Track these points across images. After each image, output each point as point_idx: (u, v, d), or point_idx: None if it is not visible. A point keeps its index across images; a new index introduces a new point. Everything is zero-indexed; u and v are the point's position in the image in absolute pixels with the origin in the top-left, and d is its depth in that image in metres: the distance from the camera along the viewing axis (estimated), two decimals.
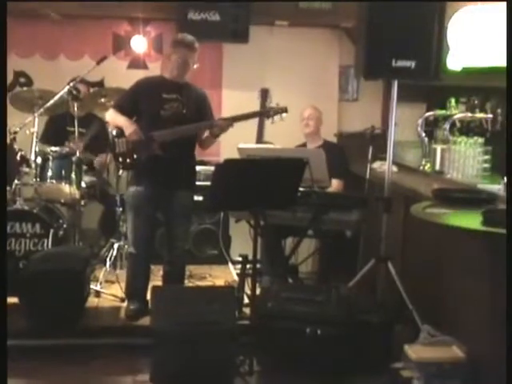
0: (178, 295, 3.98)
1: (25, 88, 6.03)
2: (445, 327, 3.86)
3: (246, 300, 4.55)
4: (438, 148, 5.06)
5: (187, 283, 5.07)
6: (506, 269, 2.79)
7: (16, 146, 4.93)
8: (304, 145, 5.44)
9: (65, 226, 5.11)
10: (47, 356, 4.03)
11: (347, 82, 6.61)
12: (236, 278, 5.33)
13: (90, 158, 5.57)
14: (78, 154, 5.06)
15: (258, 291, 4.08)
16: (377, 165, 5.34)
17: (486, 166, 4.70)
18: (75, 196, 5.05)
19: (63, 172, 5.05)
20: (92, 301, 4.74)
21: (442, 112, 5.57)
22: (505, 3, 4.25)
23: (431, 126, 5.70)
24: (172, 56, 4.49)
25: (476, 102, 5.64)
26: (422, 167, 5.23)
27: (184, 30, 4.89)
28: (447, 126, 5.11)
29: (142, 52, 6.33)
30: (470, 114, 5.41)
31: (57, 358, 4.01)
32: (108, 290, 4.93)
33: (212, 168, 3.83)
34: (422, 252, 4.43)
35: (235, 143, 4.54)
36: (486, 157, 4.71)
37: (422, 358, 3.56)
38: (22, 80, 6.28)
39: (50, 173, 5.04)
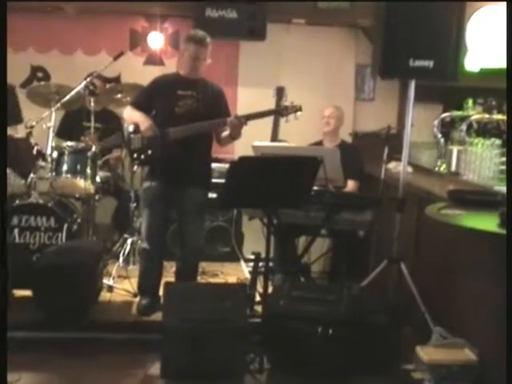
0: (190, 292, 3.99)
1: (42, 83, 6.05)
2: (457, 329, 3.84)
3: (258, 298, 4.55)
4: (455, 149, 5.03)
5: (199, 280, 5.06)
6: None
7: (32, 140, 4.95)
8: (320, 142, 5.43)
9: (79, 220, 5.14)
10: (59, 349, 4.04)
11: (363, 82, 6.59)
12: (248, 275, 5.33)
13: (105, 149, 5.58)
14: (93, 148, 5.08)
15: (269, 289, 4.08)
16: (392, 165, 5.31)
17: (503, 167, 4.67)
18: (90, 191, 5.08)
19: (78, 167, 5.08)
20: (104, 295, 4.76)
21: (459, 113, 5.54)
22: None
23: (447, 127, 5.66)
24: (184, 53, 4.51)
25: (493, 103, 5.61)
26: (437, 168, 5.20)
27: (201, 27, 4.89)
28: (464, 127, 5.08)
29: (158, 48, 6.34)
30: (487, 116, 5.38)
31: (68, 351, 4.03)
32: (120, 285, 4.94)
33: (226, 165, 3.83)
34: (435, 253, 4.41)
35: (250, 141, 4.54)
36: (503, 159, 4.67)
37: (433, 359, 3.55)
38: (40, 75, 6.31)
39: (65, 167, 5.07)
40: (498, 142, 4.74)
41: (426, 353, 3.62)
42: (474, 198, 3.78)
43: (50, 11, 6.03)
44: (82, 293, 4.27)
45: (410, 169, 5.00)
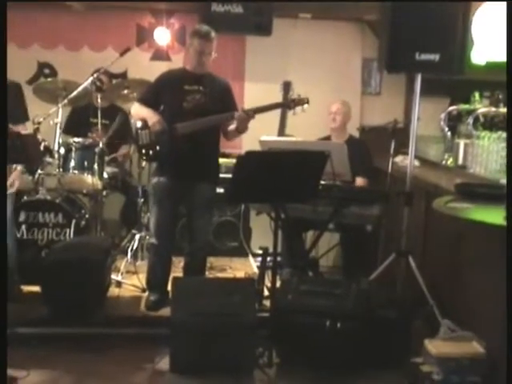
0: (198, 287, 4.00)
1: (49, 79, 6.07)
2: (465, 322, 3.84)
3: (266, 292, 4.55)
4: (461, 143, 5.02)
5: (207, 275, 5.07)
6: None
7: (39, 136, 4.96)
8: (328, 137, 5.42)
9: (87, 216, 5.16)
10: (67, 344, 4.06)
11: (370, 76, 6.59)
12: (256, 270, 5.34)
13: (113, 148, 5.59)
14: (100, 144, 5.09)
15: (278, 284, 4.09)
16: (399, 159, 5.31)
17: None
18: (97, 186, 5.09)
19: (86, 163, 5.09)
20: (113, 291, 4.77)
21: (466, 106, 5.53)
22: None
23: (454, 121, 5.65)
24: (190, 48, 4.51)
25: (500, 96, 5.59)
26: (444, 162, 5.20)
27: (207, 22, 4.89)
28: (471, 120, 5.07)
29: (165, 44, 6.35)
30: (493, 109, 5.36)
31: (76, 347, 4.05)
32: (129, 281, 4.96)
33: (234, 160, 3.84)
34: (443, 247, 4.41)
35: (257, 136, 4.54)
36: None
37: (441, 353, 3.55)
38: (46, 71, 6.34)
39: (72, 163, 5.08)
40: (504, 135, 4.72)
41: (435, 346, 3.62)
42: (482, 192, 3.77)
43: (57, 7, 6.04)
44: (90, 288, 4.28)
45: (416, 162, 4.99)
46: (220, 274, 5.41)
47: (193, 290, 3.92)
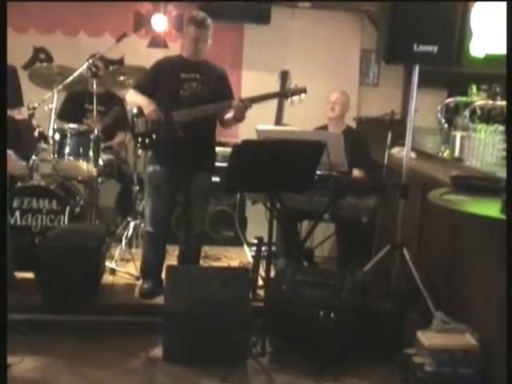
0: (192, 275, 4.00)
1: (44, 64, 6.04)
2: (458, 314, 3.84)
3: (261, 282, 4.55)
4: (458, 135, 5.01)
5: (202, 264, 5.07)
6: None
7: (34, 122, 4.93)
8: (325, 127, 5.39)
9: (81, 203, 5.14)
10: (61, 331, 4.06)
11: (368, 67, 6.58)
12: (251, 259, 5.33)
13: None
14: (96, 131, 5.07)
15: (272, 274, 4.08)
16: (395, 151, 5.30)
17: None
18: (92, 173, 5.06)
19: (81, 149, 5.06)
20: (107, 278, 4.77)
21: (463, 99, 5.51)
22: None
23: (451, 113, 5.64)
24: (186, 35, 4.49)
25: (498, 89, 5.58)
26: (440, 154, 5.18)
27: (205, 11, 4.86)
28: (467, 113, 5.05)
29: (162, 31, 6.32)
30: (491, 102, 5.35)
31: (70, 334, 4.05)
32: (123, 268, 4.95)
33: (230, 149, 3.82)
34: (438, 239, 4.41)
35: (254, 125, 4.53)
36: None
37: (434, 344, 3.55)
38: (42, 56, 6.30)
39: (67, 150, 5.05)
40: (501, 128, 4.71)
41: (427, 338, 3.62)
42: (477, 184, 3.76)
43: None
44: (84, 276, 4.26)
45: (413, 154, 4.98)
46: (215, 263, 5.40)
47: (187, 279, 3.92)
